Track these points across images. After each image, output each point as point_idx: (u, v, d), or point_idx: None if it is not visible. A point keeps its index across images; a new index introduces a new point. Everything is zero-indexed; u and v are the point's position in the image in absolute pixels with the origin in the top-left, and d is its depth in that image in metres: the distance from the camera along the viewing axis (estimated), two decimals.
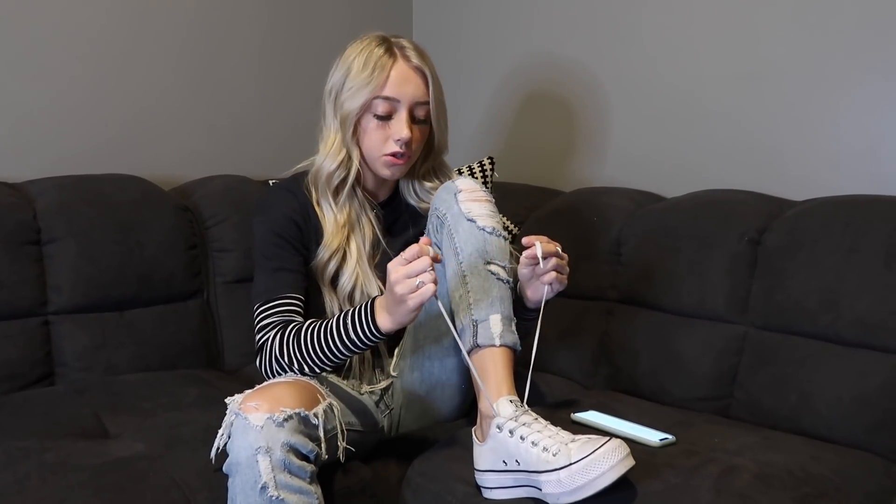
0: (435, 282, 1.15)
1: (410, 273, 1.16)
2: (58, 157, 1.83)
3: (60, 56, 1.84)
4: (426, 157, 1.50)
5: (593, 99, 2.07)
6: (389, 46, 1.41)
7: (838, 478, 1.19)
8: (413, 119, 1.40)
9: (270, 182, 1.72)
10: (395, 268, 1.17)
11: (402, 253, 1.18)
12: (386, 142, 1.40)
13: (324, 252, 1.42)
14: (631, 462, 1.08)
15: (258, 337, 1.36)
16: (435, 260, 1.17)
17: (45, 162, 1.80)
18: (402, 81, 1.39)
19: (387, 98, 1.38)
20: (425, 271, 1.15)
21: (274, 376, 1.32)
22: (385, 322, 1.23)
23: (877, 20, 1.59)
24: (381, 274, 1.42)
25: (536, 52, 2.17)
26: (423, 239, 1.21)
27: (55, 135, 1.85)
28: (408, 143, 1.39)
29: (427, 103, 1.41)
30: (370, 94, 1.38)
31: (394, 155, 1.40)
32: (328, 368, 1.33)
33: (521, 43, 2.21)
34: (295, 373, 1.31)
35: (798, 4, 1.70)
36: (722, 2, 1.81)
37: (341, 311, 1.33)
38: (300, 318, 1.37)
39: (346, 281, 1.42)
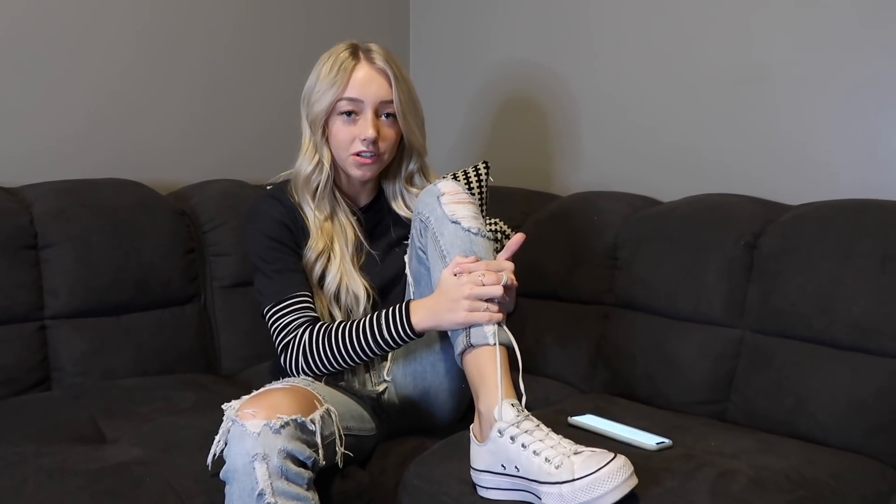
0: (500, 312, 1.25)
1: (482, 296, 1.24)
2: (55, 161, 1.83)
3: (58, 61, 1.84)
4: (404, 160, 1.53)
5: (589, 104, 2.07)
6: (355, 50, 1.45)
7: (834, 481, 1.19)
8: (381, 118, 1.44)
9: (268, 187, 1.72)
10: (471, 285, 1.25)
11: (462, 265, 1.26)
12: (353, 142, 1.44)
13: (310, 253, 1.46)
14: (635, 481, 1.08)
15: (281, 336, 1.39)
16: (506, 288, 1.25)
17: (42, 166, 1.79)
18: (366, 82, 1.42)
19: (351, 99, 1.42)
20: (494, 300, 1.24)
21: (300, 374, 1.37)
22: (423, 322, 1.29)
23: (871, 24, 1.60)
24: (367, 276, 1.47)
25: (531, 58, 2.17)
26: (507, 264, 1.29)
27: (52, 139, 1.85)
28: (374, 142, 1.43)
29: (392, 102, 1.43)
30: (335, 96, 1.42)
31: (360, 154, 1.43)
32: (355, 365, 1.39)
33: (516, 49, 2.21)
34: (323, 370, 1.36)
35: (793, 8, 1.70)
36: (717, 6, 1.82)
37: (374, 311, 1.38)
38: (315, 313, 1.41)
39: (330, 280, 1.46)
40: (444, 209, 1.33)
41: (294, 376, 1.37)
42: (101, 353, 1.63)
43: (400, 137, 1.49)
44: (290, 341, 1.37)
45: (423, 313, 1.30)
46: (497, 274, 1.26)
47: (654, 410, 1.50)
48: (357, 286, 1.45)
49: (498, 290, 1.25)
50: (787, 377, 1.44)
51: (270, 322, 1.41)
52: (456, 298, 1.25)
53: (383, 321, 1.33)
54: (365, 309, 1.45)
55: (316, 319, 1.40)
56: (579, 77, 2.08)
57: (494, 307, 1.25)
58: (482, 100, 2.31)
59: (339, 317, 1.45)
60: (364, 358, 1.35)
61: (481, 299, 1.25)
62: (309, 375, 1.37)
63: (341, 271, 1.45)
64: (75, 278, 1.63)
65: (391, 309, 1.34)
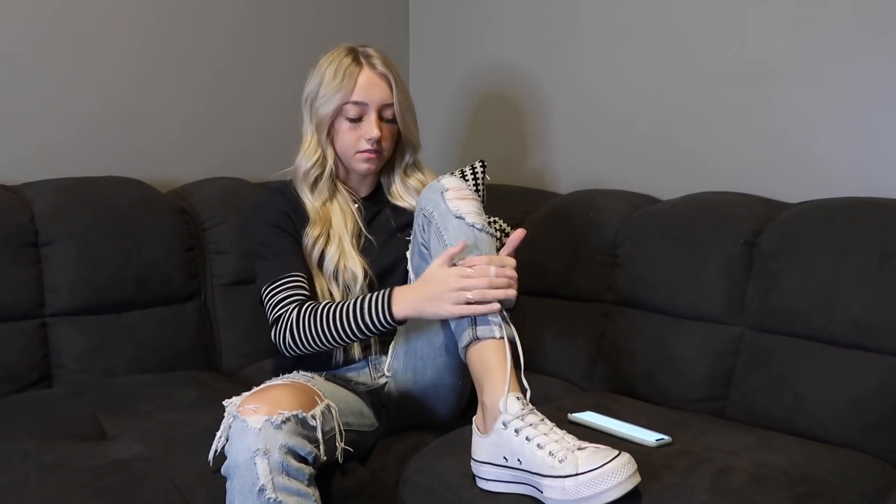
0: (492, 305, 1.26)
1: (468, 287, 1.26)
2: (55, 159, 1.83)
3: (58, 58, 1.84)
4: (402, 155, 1.61)
5: (588, 101, 2.07)
6: (356, 56, 1.53)
7: (833, 478, 1.19)
8: (382, 119, 1.52)
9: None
10: (457, 277, 1.26)
11: (467, 260, 1.28)
12: (358, 141, 1.52)
13: (308, 239, 1.51)
14: (638, 479, 1.08)
15: (274, 312, 1.43)
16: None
17: (42, 164, 1.80)
18: (369, 87, 1.51)
19: (356, 102, 1.50)
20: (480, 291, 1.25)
21: (287, 349, 1.40)
22: (404, 310, 1.32)
23: (871, 23, 1.60)
24: (366, 258, 1.52)
25: (530, 58, 2.18)
26: (509, 260, 1.31)
27: (53, 137, 1.85)
28: (378, 141, 1.51)
29: (392, 105, 1.52)
30: (341, 100, 1.50)
31: (366, 151, 1.52)
32: (339, 346, 1.43)
33: (515, 49, 2.21)
34: (306, 348, 1.39)
35: (792, 6, 1.70)
36: (716, 3, 1.82)
37: (360, 294, 1.43)
38: (308, 291, 1.45)
39: (329, 260, 1.50)
40: (449, 205, 1.34)
41: (281, 350, 1.41)
42: (101, 350, 1.64)
43: (397, 134, 1.56)
44: (280, 315, 1.41)
45: (406, 302, 1.32)
46: (497, 277, 1.27)
47: (654, 407, 1.50)
48: (355, 265, 1.49)
49: (482, 283, 1.26)
50: (786, 374, 1.44)
51: (266, 299, 1.45)
52: (441, 290, 1.27)
53: (366, 306, 1.35)
54: (362, 288, 1.49)
55: (308, 298, 1.43)
56: (578, 76, 2.08)
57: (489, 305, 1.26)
58: (481, 99, 2.31)
59: (337, 296, 1.48)
60: (346, 340, 1.38)
61: (466, 290, 1.26)
62: (294, 352, 1.41)
63: (339, 251, 1.50)
64: (76, 276, 1.63)
65: (375, 294, 1.36)
